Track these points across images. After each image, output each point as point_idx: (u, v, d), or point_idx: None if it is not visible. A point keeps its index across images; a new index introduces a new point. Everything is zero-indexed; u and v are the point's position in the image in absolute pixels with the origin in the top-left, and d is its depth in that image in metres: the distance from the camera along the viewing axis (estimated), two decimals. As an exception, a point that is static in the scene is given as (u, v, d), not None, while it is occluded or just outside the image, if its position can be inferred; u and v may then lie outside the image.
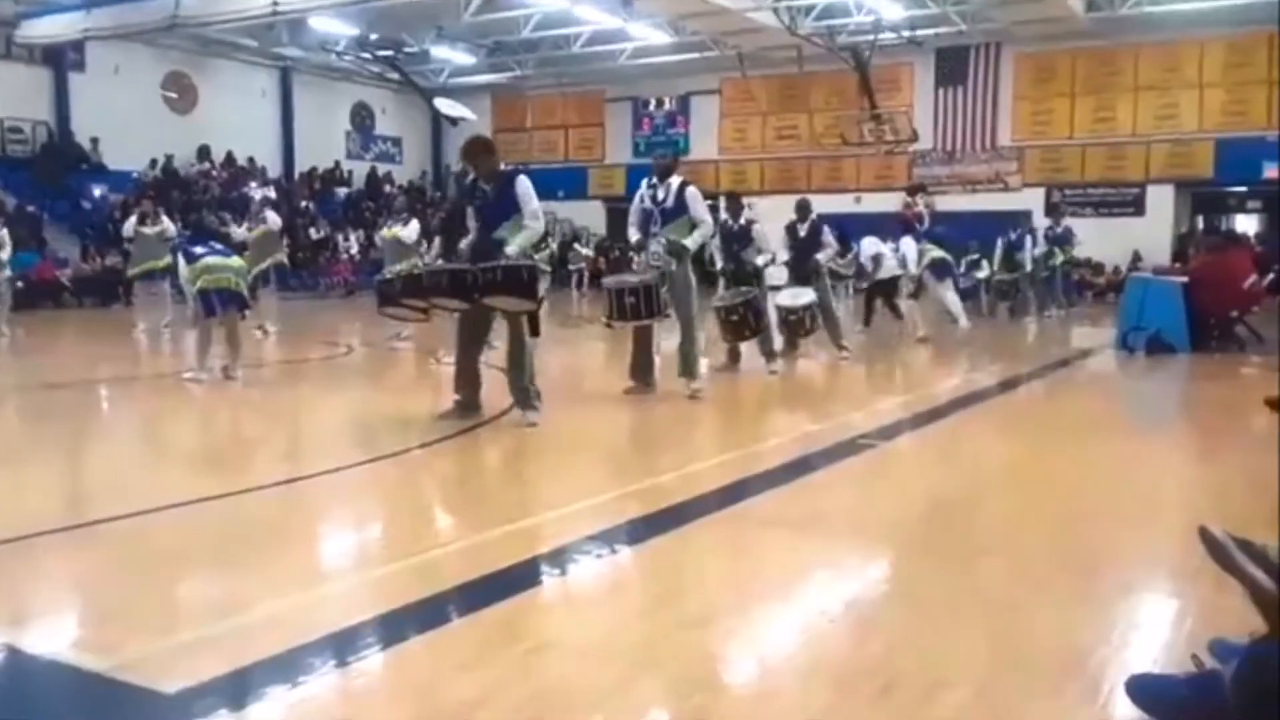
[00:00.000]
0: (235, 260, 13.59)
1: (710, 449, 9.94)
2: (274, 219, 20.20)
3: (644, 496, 7.46)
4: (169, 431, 11.17)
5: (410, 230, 18.31)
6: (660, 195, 11.95)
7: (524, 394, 10.13)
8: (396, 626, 4.88)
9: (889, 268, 19.75)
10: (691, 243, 11.71)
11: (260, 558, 6.12)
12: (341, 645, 4.62)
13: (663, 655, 4.59)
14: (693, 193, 11.91)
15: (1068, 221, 27.34)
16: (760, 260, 14.35)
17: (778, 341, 14.92)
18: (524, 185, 10.13)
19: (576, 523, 6.71)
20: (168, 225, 20.20)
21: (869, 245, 20.09)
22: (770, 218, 16.40)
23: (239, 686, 4.21)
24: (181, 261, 13.44)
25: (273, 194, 34.20)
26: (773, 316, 14.87)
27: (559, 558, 6.00)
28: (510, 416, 10.31)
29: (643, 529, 6.65)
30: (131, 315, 21.36)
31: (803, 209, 16.00)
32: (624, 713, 4.10)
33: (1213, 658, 3.93)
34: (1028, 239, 24.91)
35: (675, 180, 12.00)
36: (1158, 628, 5.08)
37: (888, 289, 19.80)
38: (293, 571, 5.84)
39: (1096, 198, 35.05)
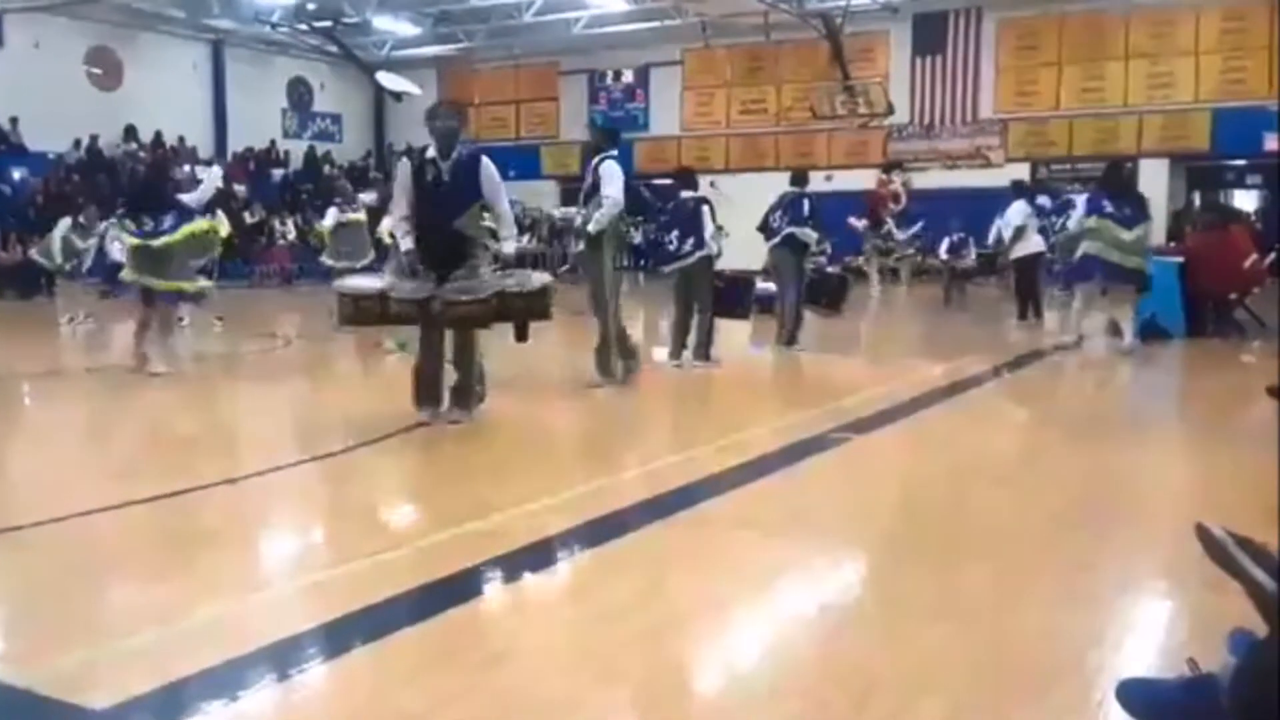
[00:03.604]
0: (173, 244, 13.16)
1: (674, 445, 9.94)
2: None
3: (604, 495, 7.48)
4: (95, 431, 11.13)
5: (364, 199, 18.43)
6: (588, 177, 12.14)
7: (466, 393, 10.06)
8: (341, 635, 4.86)
9: (1033, 243, 18.94)
10: (593, 225, 11.73)
11: (194, 564, 6.10)
12: (282, 656, 4.60)
13: (626, 664, 4.60)
14: (607, 168, 11.93)
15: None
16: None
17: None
18: (489, 170, 9.89)
19: (533, 524, 6.70)
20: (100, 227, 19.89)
21: (1014, 214, 19.29)
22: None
23: (172, 701, 4.20)
24: (124, 234, 13.28)
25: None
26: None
27: (514, 561, 5.98)
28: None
29: (603, 530, 6.64)
30: (55, 309, 21.35)
31: None
32: (584, 726, 4.11)
33: (1229, 652, 3.94)
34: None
35: (597, 158, 12.11)
36: (1151, 630, 5.12)
37: (1029, 270, 18.89)
38: (229, 578, 5.82)
39: (1085, 173, 34.97)
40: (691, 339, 14.05)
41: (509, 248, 9.98)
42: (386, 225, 14.32)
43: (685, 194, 14.44)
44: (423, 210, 9.78)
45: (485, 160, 9.96)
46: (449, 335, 10.04)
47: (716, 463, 8.47)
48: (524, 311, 10.05)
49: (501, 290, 9.77)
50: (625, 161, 12.29)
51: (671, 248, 14.11)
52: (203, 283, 13.48)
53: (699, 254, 13.90)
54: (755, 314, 18.18)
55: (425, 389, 10.08)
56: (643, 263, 14.64)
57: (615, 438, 10.41)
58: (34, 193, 32.34)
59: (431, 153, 9.88)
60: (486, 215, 10.12)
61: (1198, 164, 35.42)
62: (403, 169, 10.03)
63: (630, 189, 12.29)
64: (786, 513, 7.38)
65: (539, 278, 10.26)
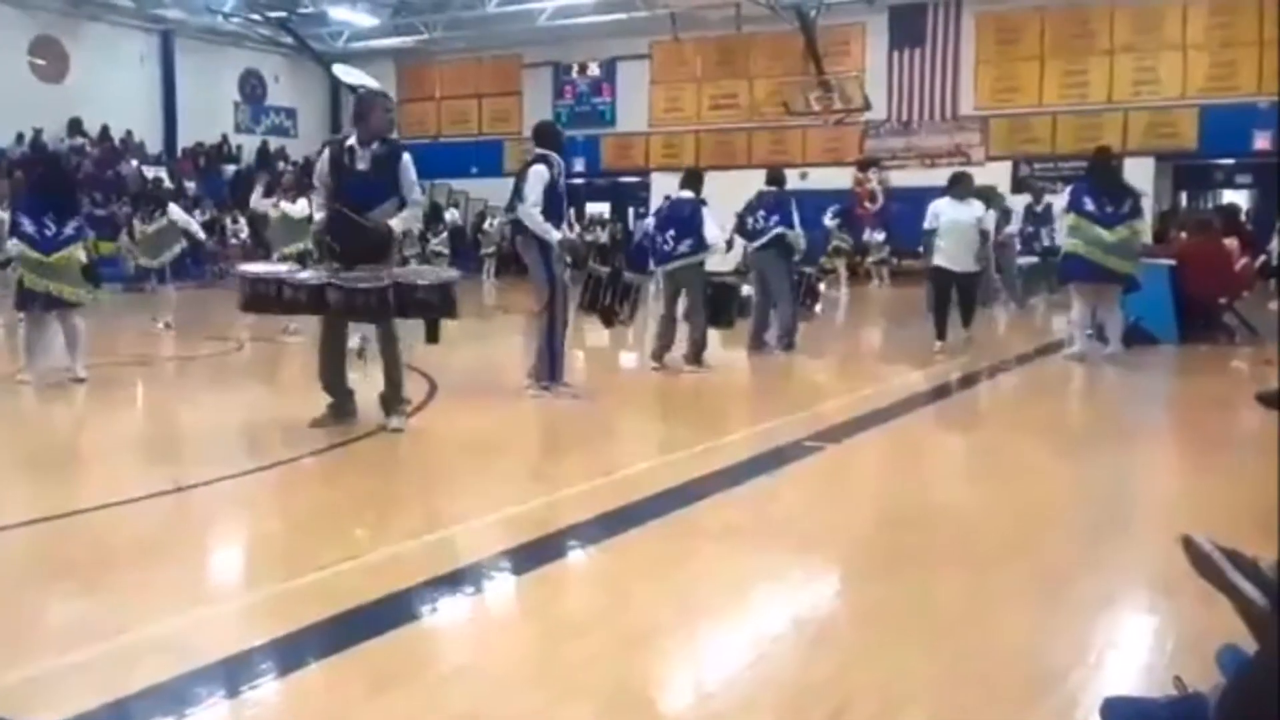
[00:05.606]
0: (72, 256, 12.75)
1: (642, 453, 9.91)
2: (177, 214, 19.97)
3: (569, 505, 7.48)
4: (32, 438, 11.02)
5: (299, 207, 18.27)
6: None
7: (390, 399, 9.99)
8: (294, 651, 4.85)
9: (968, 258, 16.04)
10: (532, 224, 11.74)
11: (140, 576, 6.06)
12: (233, 671, 4.59)
13: (591, 680, 4.60)
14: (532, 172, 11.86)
15: (1049, 199, 27.06)
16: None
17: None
18: (408, 163, 9.85)
19: (494, 535, 6.70)
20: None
21: (990, 220, 16.96)
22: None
23: (118, 719, 4.19)
24: (8, 234, 12.94)
25: (162, 175, 33.90)
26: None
27: (475, 573, 5.99)
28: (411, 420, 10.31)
29: (568, 541, 6.66)
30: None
31: None
32: (548, 744, 4.10)
33: (1219, 669, 3.93)
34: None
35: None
36: (1137, 647, 5.13)
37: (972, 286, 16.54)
38: (177, 591, 5.79)
39: (1068, 171, 34.85)
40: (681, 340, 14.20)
41: (396, 222, 9.76)
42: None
43: (684, 194, 14.51)
44: (339, 198, 9.71)
45: (405, 156, 9.89)
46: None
47: (690, 470, 8.48)
48: (424, 306, 9.96)
49: (398, 281, 9.67)
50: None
51: (667, 248, 14.25)
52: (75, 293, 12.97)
53: (698, 255, 14.05)
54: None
55: (325, 387, 10.18)
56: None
57: (587, 444, 10.36)
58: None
59: (351, 141, 9.82)
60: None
61: (1185, 163, 35.39)
62: (322, 160, 10.04)
63: (557, 193, 12.16)
64: (761, 522, 7.38)
65: (445, 274, 10.19)
